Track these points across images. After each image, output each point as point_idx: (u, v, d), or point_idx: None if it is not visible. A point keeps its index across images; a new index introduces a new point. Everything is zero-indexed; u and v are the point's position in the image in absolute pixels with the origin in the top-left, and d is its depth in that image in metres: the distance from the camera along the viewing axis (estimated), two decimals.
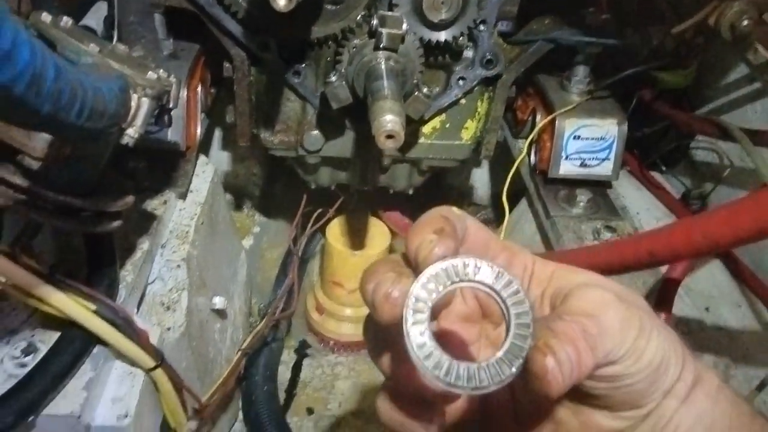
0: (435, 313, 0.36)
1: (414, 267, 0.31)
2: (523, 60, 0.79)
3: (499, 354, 0.29)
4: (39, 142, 0.44)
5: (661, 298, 0.60)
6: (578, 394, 0.34)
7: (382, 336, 0.34)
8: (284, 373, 1.02)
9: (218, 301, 0.80)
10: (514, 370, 0.29)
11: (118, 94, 0.40)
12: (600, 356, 0.31)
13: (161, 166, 0.77)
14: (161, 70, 0.51)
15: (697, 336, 0.66)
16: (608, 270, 0.54)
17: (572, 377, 0.29)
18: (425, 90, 0.74)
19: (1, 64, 0.24)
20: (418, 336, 0.29)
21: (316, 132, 0.83)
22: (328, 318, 1.08)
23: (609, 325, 0.31)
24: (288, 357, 1.06)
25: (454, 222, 0.32)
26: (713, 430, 0.34)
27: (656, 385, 0.34)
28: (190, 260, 0.72)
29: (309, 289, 1.14)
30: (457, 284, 0.30)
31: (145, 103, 0.45)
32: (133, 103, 0.44)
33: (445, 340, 0.29)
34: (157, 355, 0.56)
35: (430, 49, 0.75)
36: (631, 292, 0.35)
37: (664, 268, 0.67)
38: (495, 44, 0.78)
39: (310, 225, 1.03)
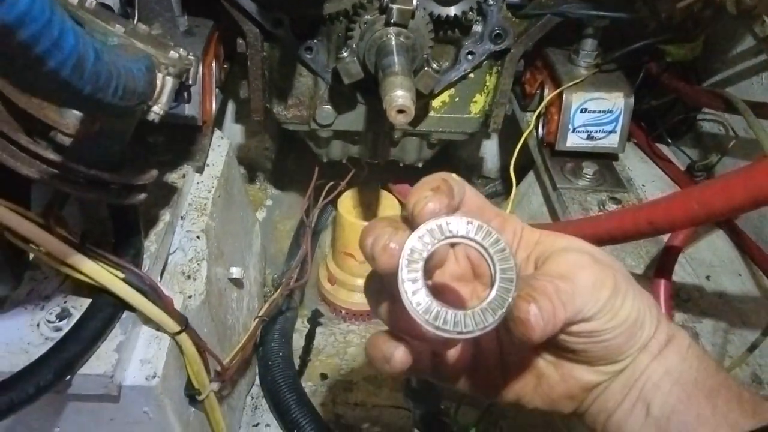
0: (429, 271, 0.39)
1: (411, 222, 0.34)
2: (532, 34, 0.80)
3: (485, 303, 0.33)
4: (70, 119, 0.47)
5: (662, 265, 0.63)
6: (559, 348, 0.38)
7: (381, 288, 0.38)
8: (298, 341, 1.06)
9: (235, 271, 0.83)
10: (497, 317, 0.32)
11: (146, 74, 0.42)
12: (571, 311, 0.34)
13: (179, 140, 0.80)
14: (181, 49, 0.53)
15: (697, 303, 0.69)
16: (610, 239, 0.56)
17: (548, 327, 0.33)
18: (435, 65, 0.75)
19: (52, 51, 0.27)
20: (411, 284, 0.32)
21: (328, 106, 0.85)
22: (340, 288, 1.11)
23: (582, 284, 0.35)
24: (302, 326, 1.10)
25: (452, 184, 0.36)
26: (680, 381, 0.38)
27: (632, 341, 0.37)
28: (209, 231, 0.75)
29: (321, 260, 1.17)
30: (450, 239, 0.33)
31: (170, 81, 0.47)
32: (159, 82, 0.46)
33: (438, 293, 0.33)
34: (182, 320, 0.60)
35: (440, 24, 0.76)
36: (609, 256, 0.38)
37: (666, 238, 0.69)
38: (504, 18, 0.79)
39: (322, 197, 1.06)
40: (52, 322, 0.55)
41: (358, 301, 1.10)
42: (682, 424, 0.36)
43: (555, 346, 0.38)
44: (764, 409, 0.36)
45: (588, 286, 0.35)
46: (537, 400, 0.41)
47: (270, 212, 1.27)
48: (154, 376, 0.57)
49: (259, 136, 1.22)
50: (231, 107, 1.15)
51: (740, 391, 0.37)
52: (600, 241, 0.57)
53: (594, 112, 0.83)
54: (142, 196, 0.56)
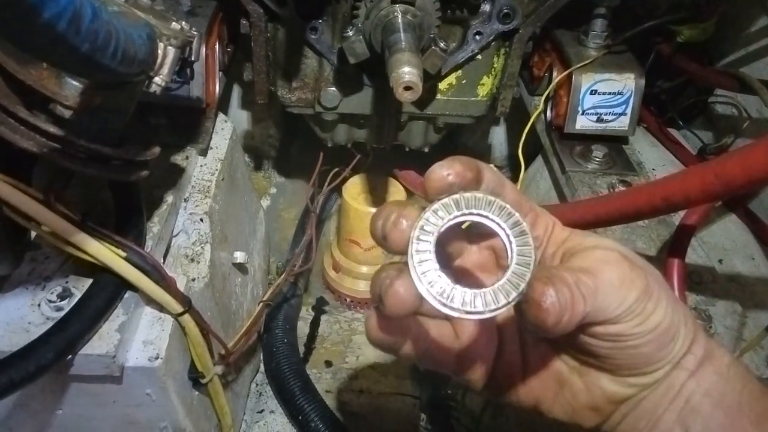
0: (447, 258, 0.38)
1: (427, 197, 0.32)
2: (541, 14, 0.79)
3: (498, 284, 0.30)
4: (70, 90, 0.46)
5: (675, 244, 0.61)
6: (583, 352, 0.35)
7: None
8: (303, 329, 1.05)
9: (239, 256, 0.82)
10: (510, 299, 0.30)
11: (147, 41, 0.41)
12: (591, 306, 0.32)
13: (182, 122, 0.79)
14: (183, 22, 0.52)
15: (709, 286, 0.67)
16: (622, 218, 0.55)
17: (565, 316, 0.30)
18: (442, 44, 0.74)
19: (47, 2, 0.25)
20: (420, 255, 0.30)
21: (333, 89, 0.84)
22: (345, 276, 1.10)
23: (606, 280, 0.32)
24: (306, 313, 1.09)
25: (481, 167, 0.33)
26: (722, 405, 0.35)
27: (663, 352, 0.34)
28: (212, 214, 0.74)
29: (326, 248, 1.16)
30: (466, 215, 0.31)
31: (171, 51, 0.46)
32: (160, 52, 0.45)
33: (455, 278, 0.31)
34: (185, 300, 0.59)
35: (447, 3, 0.75)
36: (643, 260, 0.35)
37: (677, 220, 0.68)
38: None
39: (326, 183, 1.04)
40: (53, 302, 0.54)
41: (363, 288, 1.09)
42: None
43: (578, 349, 0.35)
44: None
45: (614, 283, 0.32)
46: (557, 409, 0.38)
47: (274, 200, 1.26)
48: (157, 357, 0.56)
49: (263, 123, 1.20)
50: (236, 94, 1.14)
51: None
52: (612, 220, 0.56)
53: (604, 93, 0.81)
54: (144, 173, 0.55)
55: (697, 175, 0.45)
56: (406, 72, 0.60)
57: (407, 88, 0.60)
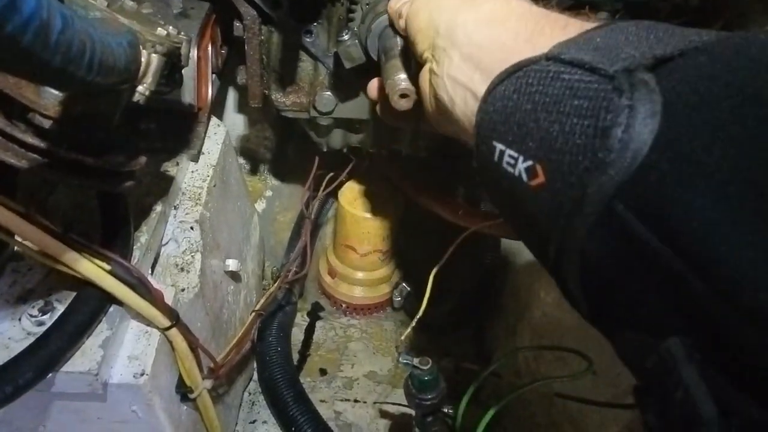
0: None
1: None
2: None
3: None
4: (49, 99, 0.44)
5: None
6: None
7: None
8: (297, 335, 1.04)
9: (232, 263, 0.80)
10: None
11: (128, 50, 0.39)
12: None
13: (173, 127, 0.77)
14: (170, 27, 0.50)
15: None
16: None
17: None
18: None
19: (7, 13, 0.23)
20: None
21: (328, 93, 0.81)
22: (341, 281, 1.09)
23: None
24: (301, 319, 1.07)
25: None
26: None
27: None
28: (203, 222, 0.72)
29: (321, 253, 1.15)
30: None
31: (155, 59, 0.44)
32: (144, 59, 0.43)
33: None
34: (172, 314, 0.57)
35: None
36: None
37: None
38: None
39: (322, 188, 1.02)
40: (35, 316, 0.52)
41: (359, 294, 1.08)
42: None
43: None
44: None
45: None
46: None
47: (269, 203, 1.24)
48: (142, 374, 0.54)
49: (258, 126, 1.18)
50: (231, 96, 1.12)
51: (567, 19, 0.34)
52: None
53: None
54: (130, 183, 0.53)
55: None
56: (401, 79, 0.57)
57: (402, 96, 0.58)
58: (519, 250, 0.95)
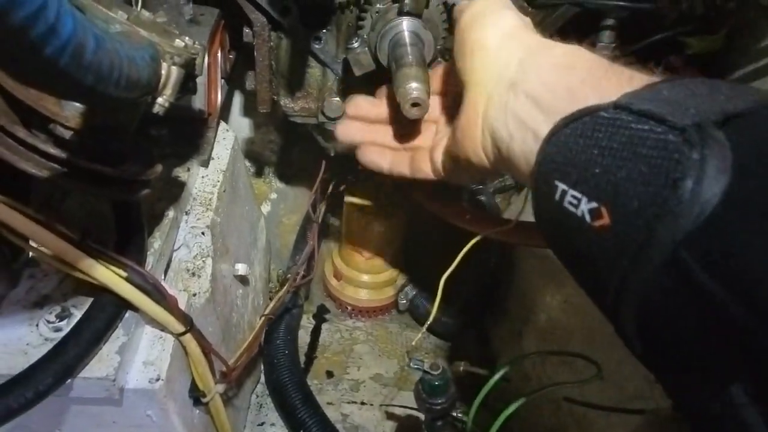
0: None
1: None
2: (548, 24, 0.77)
3: None
4: (70, 111, 0.44)
5: None
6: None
7: None
8: (303, 338, 1.04)
9: (241, 268, 0.81)
10: None
11: (150, 63, 0.39)
12: None
13: (183, 133, 0.77)
14: (187, 38, 0.51)
15: None
16: None
17: None
18: (449, 57, 0.73)
19: (49, 37, 0.24)
20: None
21: (336, 99, 0.82)
22: (346, 284, 1.09)
23: None
24: (307, 322, 1.08)
25: None
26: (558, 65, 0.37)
27: None
28: (214, 227, 0.73)
29: (327, 256, 1.15)
30: None
31: (175, 71, 0.45)
32: (164, 72, 0.44)
33: None
34: (186, 320, 0.57)
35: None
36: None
37: None
38: (520, 8, 0.76)
39: (329, 191, 1.03)
40: (52, 323, 0.53)
41: (365, 297, 1.08)
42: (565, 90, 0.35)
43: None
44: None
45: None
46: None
47: (275, 206, 1.24)
48: (158, 379, 0.55)
49: (263, 129, 1.19)
50: (237, 100, 1.13)
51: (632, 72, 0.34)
52: None
53: None
54: (146, 191, 0.53)
55: None
56: (413, 88, 0.58)
57: (414, 105, 0.59)
58: (524, 255, 0.96)
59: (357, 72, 0.72)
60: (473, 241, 0.68)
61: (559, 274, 0.84)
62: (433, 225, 1.19)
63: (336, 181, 1.04)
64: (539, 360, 0.79)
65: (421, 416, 0.66)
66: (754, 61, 0.85)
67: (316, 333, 1.07)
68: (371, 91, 0.81)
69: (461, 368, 0.62)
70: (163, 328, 0.57)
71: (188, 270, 0.69)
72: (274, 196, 1.26)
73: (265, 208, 1.21)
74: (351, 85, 0.81)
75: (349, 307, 1.10)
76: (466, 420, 0.59)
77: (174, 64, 0.46)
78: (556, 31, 0.79)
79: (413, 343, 0.60)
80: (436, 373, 0.57)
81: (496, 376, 0.52)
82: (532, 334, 0.85)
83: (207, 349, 0.60)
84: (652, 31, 0.82)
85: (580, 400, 0.63)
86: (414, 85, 0.59)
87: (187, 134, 0.77)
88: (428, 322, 0.61)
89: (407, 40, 0.66)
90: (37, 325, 0.53)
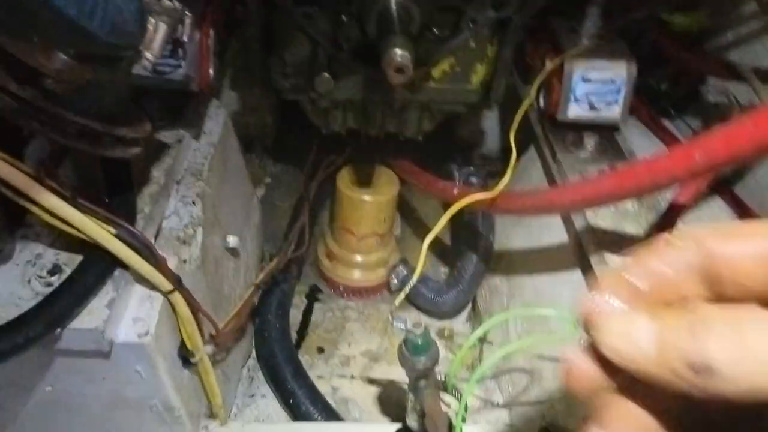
0: None
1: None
2: (535, 2, 0.79)
3: None
4: (60, 64, 0.46)
5: (665, 221, 0.62)
6: None
7: None
8: (296, 317, 1.06)
9: (232, 240, 0.82)
10: None
11: (136, 13, 0.41)
12: None
13: (175, 107, 0.79)
14: (175, 0, 0.52)
15: None
16: (611, 198, 0.55)
17: None
18: (435, 31, 0.74)
19: None
20: None
21: (326, 75, 0.84)
22: (338, 264, 1.11)
23: None
24: (299, 301, 1.09)
25: None
26: None
27: None
28: (205, 197, 0.75)
29: (319, 236, 1.17)
30: None
31: (162, 27, 0.46)
32: (150, 26, 0.45)
33: None
34: (175, 279, 0.59)
35: None
36: None
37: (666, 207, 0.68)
38: None
39: (321, 171, 1.05)
40: (43, 278, 0.55)
41: (357, 277, 1.10)
42: None
43: None
44: None
45: None
46: None
47: (269, 190, 1.26)
48: (146, 334, 0.56)
49: (258, 113, 1.21)
50: (230, 81, 1.14)
51: None
52: (600, 200, 0.56)
53: (596, 81, 0.82)
54: (136, 150, 0.55)
55: (682, 153, 0.45)
56: (398, 53, 0.60)
57: (398, 70, 0.60)
58: (514, 235, 0.97)
59: (345, 46, 0.74)
60: (460, 205, 0.70)
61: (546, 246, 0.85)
62: (426, 205, 1.21)
63: (327, 160, 1.05)
64: (524, 330, 0.81)
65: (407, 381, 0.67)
66: (735, 36, 0.86)
67: (308, 312, 1.08)
68: (361, 69, 0.83)
69: (445, 332, 0.63)
70: (152, 287, 0.59)
71: (179, 238, 0.70)
72: (268, 180, 1.28)
73: (260, 192, 1.22)
74: (341, 60, 0.82)
75: (341, 287, 1.11)
76: (447, 377, 0.61)
77: (162, 21, 0.47)
78: (540, 11, 0.80)
79: (396, 303, 0.62)
80: (418, 332, 0.59)
81: (476, 333, 0.53)
82: (518, 306, 0.87)
83: (196, 309, 0.62)
84: (636, 7, 0.83)
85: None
86: (398, 51, 0.61)
87: (179, 108, 0.79)
88: (412, 282, 0.62)
89: (394, 11, 0.68)
90: (29, 281, 0.55)
